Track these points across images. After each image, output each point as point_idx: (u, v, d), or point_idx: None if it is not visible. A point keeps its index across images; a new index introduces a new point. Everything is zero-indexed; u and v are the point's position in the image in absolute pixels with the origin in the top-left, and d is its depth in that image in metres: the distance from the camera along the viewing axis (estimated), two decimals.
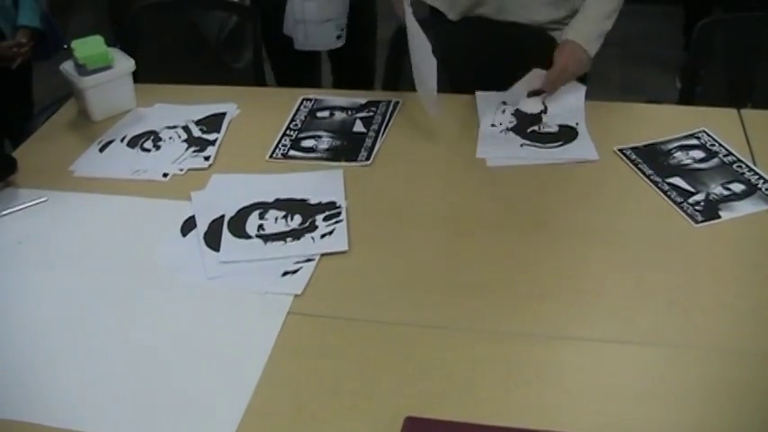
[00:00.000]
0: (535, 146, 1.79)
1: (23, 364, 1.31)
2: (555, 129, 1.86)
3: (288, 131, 1.91)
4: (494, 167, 1.73)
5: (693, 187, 1.62)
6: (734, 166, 1.67)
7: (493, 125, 1.87)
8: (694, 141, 1.77)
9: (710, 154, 1.72)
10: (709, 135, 1.78)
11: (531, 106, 1.93)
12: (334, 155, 1.82)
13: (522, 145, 1.80)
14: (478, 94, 2.00)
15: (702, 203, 1.57)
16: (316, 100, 2.05)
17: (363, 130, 1.91)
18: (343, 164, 1.78)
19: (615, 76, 3.66)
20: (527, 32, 2.07)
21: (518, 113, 1.92)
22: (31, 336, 1.37)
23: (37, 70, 2.70)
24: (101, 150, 1.89)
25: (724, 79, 2.29)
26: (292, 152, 1.84)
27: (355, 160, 1.79)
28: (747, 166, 1.66)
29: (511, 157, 1.76)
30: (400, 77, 2.21)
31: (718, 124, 1.83)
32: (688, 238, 1.49)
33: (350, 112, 1.99)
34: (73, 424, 1.20)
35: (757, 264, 1.42)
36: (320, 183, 1.71)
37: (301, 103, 2.03)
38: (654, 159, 1.72)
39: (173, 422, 1.20)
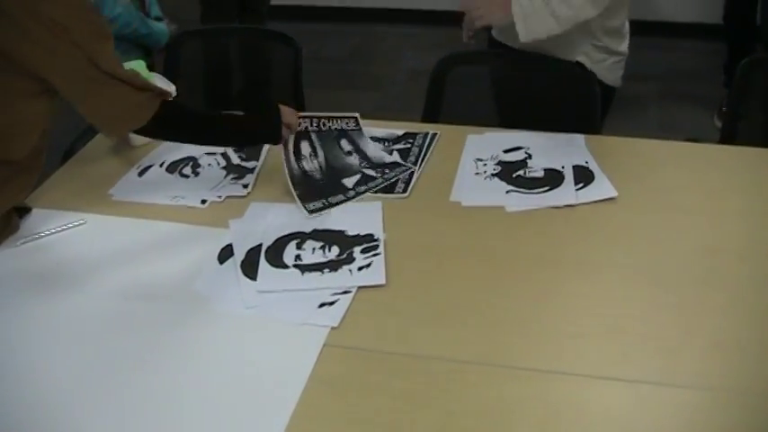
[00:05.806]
0: (520, 191, 1.76)
1: (54, 388, 1.31)
2: (540, 173, 1.82)
3: None
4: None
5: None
6: None
7: (477, 173, 1.84)
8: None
9: None
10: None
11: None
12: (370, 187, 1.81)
13: (507, 191, 1.77)
14: (470, 137, 1.98)
15: None
16: None
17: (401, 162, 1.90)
18: (381, 196, 1.77)
19: (653, 112, 3.63)
20: (572, 70, 2.06)
21: (501, 162, 1.88)
22: (65, 359, 1.37)
23: None
24: (140, 175, 1.91)
25: (763, 119, 2.26)
26: None
27: (392, 192, 1.78)
28: None
29: (493, 203, 1.73)
30: (440, 109, 2.21)
31: (757, 164, 1.81)
32: (734, 277, 1.47)
33: (387, 143, 1.98)
34: None
35: None
36: (358, 215, 1.70)
37: None
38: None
39: None
